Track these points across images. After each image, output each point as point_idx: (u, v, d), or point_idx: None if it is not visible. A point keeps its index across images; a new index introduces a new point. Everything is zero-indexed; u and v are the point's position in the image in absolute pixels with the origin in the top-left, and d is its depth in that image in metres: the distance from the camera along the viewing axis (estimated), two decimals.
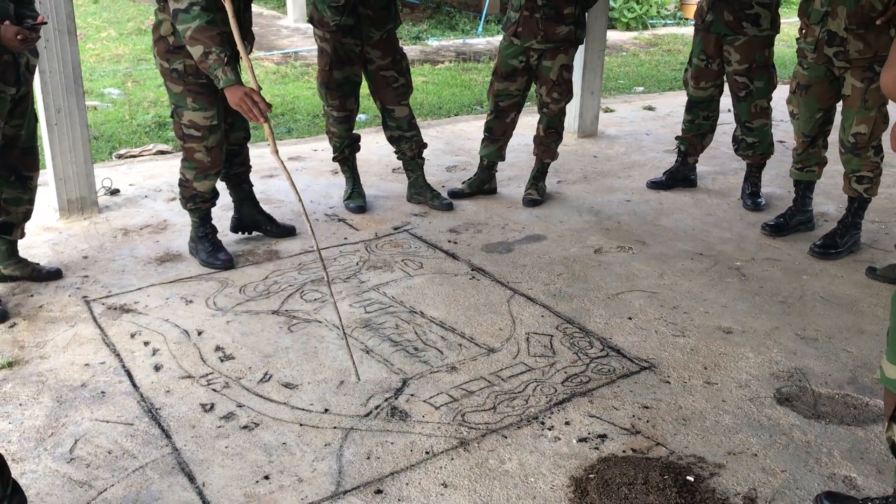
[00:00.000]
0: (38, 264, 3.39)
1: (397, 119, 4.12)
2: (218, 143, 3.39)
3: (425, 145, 4.27)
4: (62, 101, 3.82)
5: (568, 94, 4.18)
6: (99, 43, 9.11)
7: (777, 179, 4.68)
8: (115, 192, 4.36)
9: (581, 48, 5.37)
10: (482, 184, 4.44)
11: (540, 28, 3.95)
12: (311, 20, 3.99)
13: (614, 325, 3.09)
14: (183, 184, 3.48)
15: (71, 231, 3.87)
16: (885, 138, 3.26)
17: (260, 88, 3.02)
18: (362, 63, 3.99)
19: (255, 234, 3.84)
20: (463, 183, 4.47)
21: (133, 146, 5.41)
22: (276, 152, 2.86)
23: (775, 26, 4.05)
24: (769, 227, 3.94)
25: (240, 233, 3.81)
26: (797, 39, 3.68)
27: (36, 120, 3.27)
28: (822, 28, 3.48)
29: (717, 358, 2.86)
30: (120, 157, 5.18)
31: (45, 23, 3.18)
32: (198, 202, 3.50)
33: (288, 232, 3.84)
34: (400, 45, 4.08)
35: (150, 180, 4.59)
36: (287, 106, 6.55)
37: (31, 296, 3.23)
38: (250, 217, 3.79)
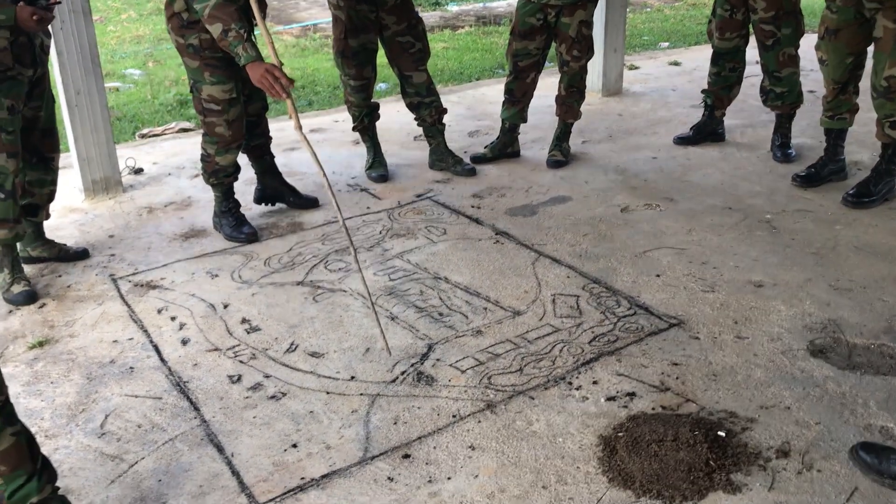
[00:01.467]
0: (64, 245, 3.42)
1: (416, 85, 4.07)
2: (238, 117, 3.37)
3: (445, 111, 4.22)
4: (81, 82, 3.82)
5: (589, 51, 4.10)
6: (119, 25, 9.15)
7: (808, 130, 4.55)
8: (139, 171, 4.38)
9: (602, 4, 5.27)
10: (505, 147, 4.38)
11: None
12: None
13: (642, 283, 3.04)
14: (205, 159, 3.48)
15: (96, 211, 3.90)
16: None
17: (281, 64, 2.99)
18: (378, 30, 3.93)
19: (278, 206, 3.84)
20: (485, 147, 4.42)
21: (156, 125, 5.43)
22: (300, 128, 2.83)
23: None
24: (800, 178, 3.84)
25: (263, 204, 3.81)
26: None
27: (53, 101, 3.27)
28: None
29: (748, 312, 2.81)
30: (143, 136, 5.20)
31: (59, 2, 3.18)
32: (220, 177, 3.50)
33: (311, 203, 3.83)
34: (415, 9, 4.02)
35: (173, 158, 4.60)
36: (307, 79, 6.53)
37: (59, 276, 3.27)
38: (273, 188, 3.79)
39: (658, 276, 3.08)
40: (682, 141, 4.52)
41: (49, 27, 3.10)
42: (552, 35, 4.08)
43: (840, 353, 2.56)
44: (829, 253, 3.20)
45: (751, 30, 4.14)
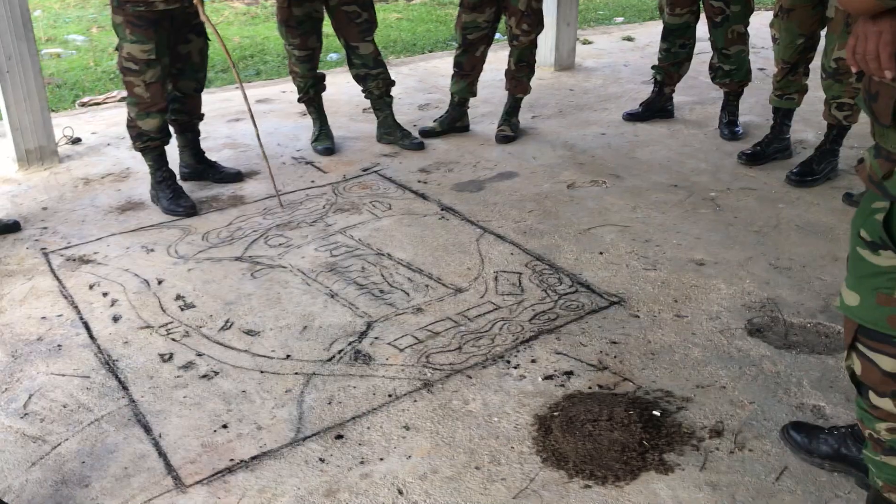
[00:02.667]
0: None
1: (362, 56, 3.98)
2: (157, 79, 3.28)
3: (393, 83, 4.15)
4: (12, 47, 3.67)
5: (538, 25, 4.04)
6: None
7: (756, 108, 4.58)
8: (76, 140, 4.24)
9: None
10: (454, 121, 4.33)
11: None
12: None
13: (584, 260, 3.02)
14: (129, 123, 3.40)
15: (30, 182, 3.77)
16: None
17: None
18: (323, 1, 3.84)
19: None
20: (434, 121, 4.36)
21: (97, 93, 5.26)
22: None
23: None
24: (745, 156, 3.86)
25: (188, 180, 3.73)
26: None
27: None
28: None
29: (689, 290, 2.81)
30: (83, 104, 5.04)
31: None
32: (145, 141, 3.41)
33: (234, 177, 3.75)
34: None
35: (113, 128, 4.46)
36: (257, 48, 6.38)
37: None
38: (192, 166, 3.71)
39: (601, 253, 3.07)
40: (631, 117, 4.51)
41: None
42: (501, 8, 4.02)
43: (777, 332, 2.58)
44: (770, 231, 3.22)
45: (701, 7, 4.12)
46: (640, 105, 4.55)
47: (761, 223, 3.28)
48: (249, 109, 3.21)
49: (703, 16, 4.16)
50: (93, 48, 6.36)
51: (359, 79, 4.09)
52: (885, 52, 1.31)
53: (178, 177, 3.68)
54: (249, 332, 2.60)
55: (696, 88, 4.94)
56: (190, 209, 3.41)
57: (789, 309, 2.69)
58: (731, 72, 4.11)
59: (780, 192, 3.56)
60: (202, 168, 3.74)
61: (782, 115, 3.86)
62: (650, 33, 6.30)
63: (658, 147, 4.13)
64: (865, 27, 1.33)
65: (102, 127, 4.48)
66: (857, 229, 1.49)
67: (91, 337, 2.59)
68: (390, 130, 4.18)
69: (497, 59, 4.64)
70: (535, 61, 4.20)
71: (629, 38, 6.32)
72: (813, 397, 2.26)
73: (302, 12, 3.81)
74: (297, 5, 3.78)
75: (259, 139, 2.60)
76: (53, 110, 4.75)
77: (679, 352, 2.47)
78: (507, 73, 4.22)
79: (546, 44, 5.45)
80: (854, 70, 1.38)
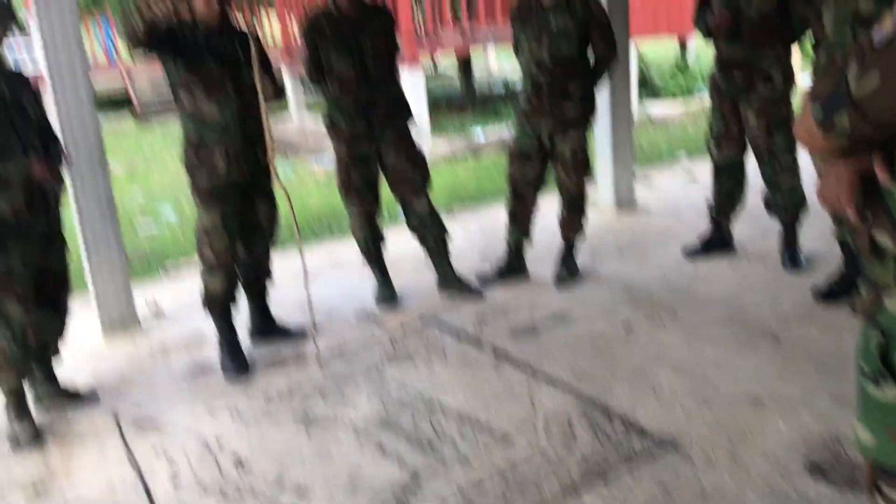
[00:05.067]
0: (73, 385, 3.50)
1: (417, 212, 4.16)
2: (224, 245, 3.54)
3: (449, 235, 4.30)
4: (98, 226, 4.02)
5: (586, 172, 4.17)
6: (164, 172, 9.60)
7: (822, 236, 4.49)
8: (157, 309, 4.51)
9: (608, 123, 5.41)
10: (512, 267, 4.42)
11: (548, 109, 3.99)
12: (326, 129, 4.12)
13: (638, 401, 2.98)
14: (201, 284, 3.64)
15: (112, 350, 4.01)
16: None
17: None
18: (378, 162, 4.08)
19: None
20: (492, 268, 4.46)
21: (181, 262, 5.61)
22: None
23: (790, 80, 3.97)
24: (820, 294, 3.72)
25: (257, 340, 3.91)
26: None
27: (64, 244, 3.42)
28: None
29: (745, 429, 2.72)
30: (168, 272, 5.38)
31: (69, 158, 3.41)
32: (213, 300, 3.64)
33: (298, 334, 3.91)
34: (413, 138, 4.16)
35: (192, 296, 4.72)
36: (333, 209, 6.71)
37: (65, 417, 3.33)
38: (258, 326, 3.91)
39: (655, 394, 3.02)
40: (691, 253, 4.50)
41: (64, 175, 3.30)
42: (548, 157, 4.17)
43: (840, 470, 2.45)
44: (832, 362, 3.10)
45: None
46: (699, 241, 4.55)
47: (822, 355, 3.18)
48: (305, 272, 3.38)
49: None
50: (182, 219, 6.83)
51: (415, 231, 4.26)
52: (845, 194, 1.32)
53: (248, 334, 3.85)
54: (299, 489, 2.64)
55: (758, 220, 4.89)
56: (243, 369, 3.56)
57: (853, 446, 2.55)
58: (785, 204, 4.08)
59: (843, 321, 3.45)
60: (269, 327, 3.92)
61: (849, 248, 3.72)
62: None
63: (717, 282, 4.09)
64: (827, 172, 1.36)
65: (183, 295, 4.76)
66: (860, 363, 1.46)
67: (152, 502, 2.68)
68: (449, 280, 4.30)
69: (552, 202, 4.75)
70: (585, 205, 4.29)
71: (690, 174, 6.38)
72: None
73: (359, 177, 4.05)
74: (354, 171, 4.03)
75: (309, 300, 2.75)
76: (139, 279, 5.09)
77: (733, 496, 2.37)
78: (560, 218, 4.31)
79: (605, 185, 5.57)
80: (827, 210, 1.40)
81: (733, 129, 4.12)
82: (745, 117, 4.02)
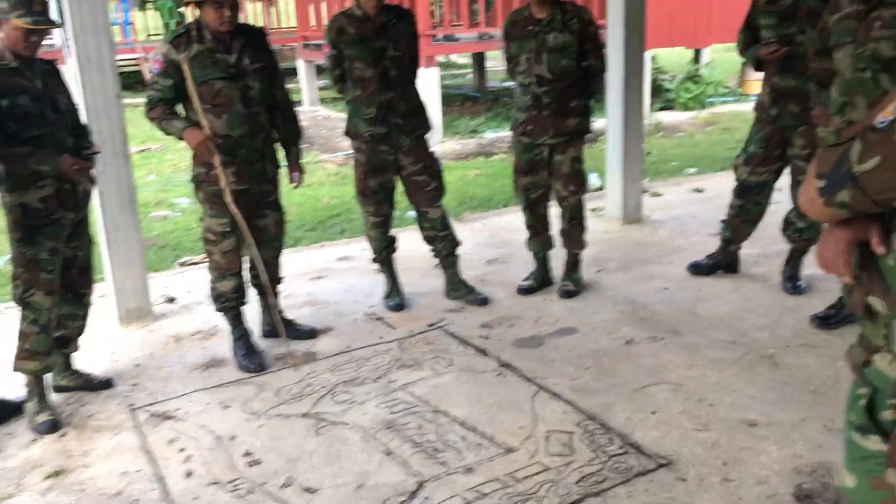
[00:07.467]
0: (91, 374, 3.62)
1: (431, 220, 4.27)
2: (232, 248, 3.66)
3: (460, 243, 4.40)
4: (118, 218, 4.13)
5: (583, 185, 4.28)
6: (178, 153, 9.70)
7: None
8: (171, 300, 4.62)
9: (620, 136, 5.50)
10: (544, 276, 4.52)
11: (550, 124, 4.09)
12: (346, 133, 4.22)
13: (636, 420, 3.08)
14: (210, 286, 3.76)
15: (128, 340, 4.12)
16: None
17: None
18: (396, 169, 4.18)
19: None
20: (525, 280, 4.53)
21: (196, 254, 5.73)
22: (227, 194, 3.49)
23: None
24: (818, 320, 3.81)
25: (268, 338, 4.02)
26: (818, 129, 3.64)
27: (91, 242, 3.54)
28: (841, 118, 3.41)
29: (739, 453, 2.82)
30: (182, 264, 5.49)
31: (99, 152, 3.52)
32: (223, 301, 3.75)
33: (309, 334, 4.01)
34: (431, 149, 4.26)
35: (206, 287, 4.83)
36: (344, 206, 6.83)
37: (83, 405, 3.45)
38: (271, 325, 4.00)
39: (653, 413, 3.13)
40: (696, 269, 4.58)
41: (93, 172, 3.41)
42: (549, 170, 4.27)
43: (827, 498, 2.55)
44: (828, 391, 3.21)
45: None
46: (706, 257, 4.62)
47: (818, 382, 3.28)
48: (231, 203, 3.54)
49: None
50: (196, 210, 6.94)
51: (428, 240, 4.37)
52: (842, 260, 1.43)
53: (259, 334, 3.97)
54: (308, 490, 2.75)
55: (763, 240, 4.99)
56: (259, 366, 3.67)
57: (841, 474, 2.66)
58: (804, 229, 4.11)
59: (840, 350, 3.54)
60: (279, 328, 4.01)
61: None
62: (720, 184, 6.41)
63: (720, 302, 4.19)
64: (826, 235, 1.46)
65: (197, 286, 4.87)
66: (848, 413, 1.56)
67: (165, 492, 2.80)
68: (457, 287, 4.41)
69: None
70: (585, 217, 4.39)
71: (699, 190, 6.47)
72: None
73: (377, 183, 4.15)
74: (372, 177, 4.14)
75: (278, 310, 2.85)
76: (155, 270, 5.20)
77: None
78: (562, 231, 4.41)
79: (613, 198, 5.67)
80: (824, 273, 1.50)
81: (774, 153, 4.11)
82: (793, 142, 4.03)
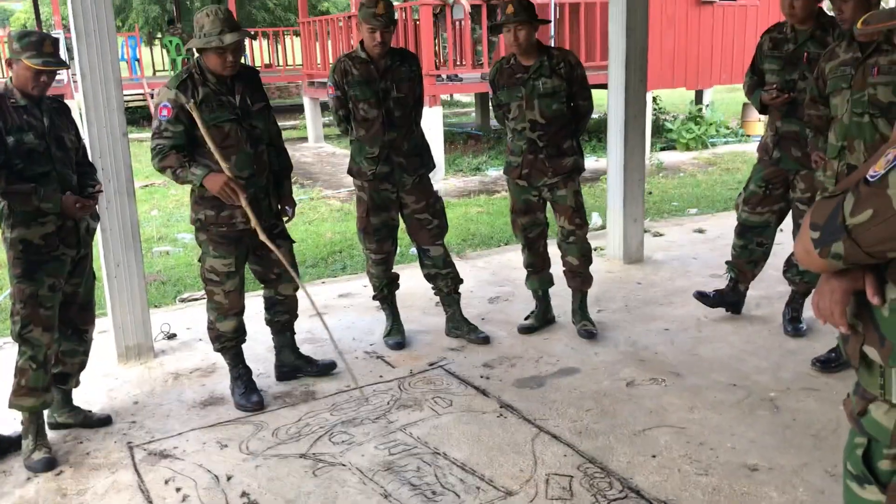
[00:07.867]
0: (89, 411, 3.61)
1: (433, 258, 4.28)
2: (236, 288, 3.65)
3: (461, 281, 4.41)
4: (121, 255, 4.14)
5: (586, 219, 4.32)
6: (181, 188, 9.75)
7: None
8: (171, 336, 4.62)
9: (620, 177, 5.53)
10: (545, 315, 4.53)
11: (548, 166, 4.13)
12: (349, 171, 4.25)
13: (637, 463, 3.06)
14: (209, 326, 3.76)
15: (127, 377, 4.11)
16: None
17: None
18: (398, 208, 4.20)
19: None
20: (526, 319, 4.54)
21: (197, 290, 5.73)
22: (261, 231, 3.47)
23: None
24: (820, 363, 3.80)
25: (285, 380, 3.98)
26: (816, 173, 3.66)
27: (94, 278, 3.55)
28: (840, 162, 3.44)
29: (740, 498, 2.80)
30: (183, 300, 5.50)
31: (101, 191, 3.54)
32: (223, 342, 3.74)
33: (329, 368, 4.01)
34: (433, 188, 4.28)
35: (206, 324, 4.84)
36: (346, 243, 6.85)
37: (80, 443, 3.43)
38: (290, 363, 3.98)
39: (654, 456, 3.10)
40: (701, 297, 4.53)
41: (97, 208, 3.42)
42: (549, 208, 4.30)
43: None
44: (829, 435, 3.18)
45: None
46: (713, 291, 4.58)
47: (820, 426, 3.26)
48: (269, 241, 3.54)
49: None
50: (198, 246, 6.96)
51: (429, 277, 4.38)
52: (837, 310, 1.43)
53: (275, 370, 3.98)
54: None
55: (765, 282, 4.99)
56: (258, 405, 3.66)
57: None
58: (805, 272, 4.11)
59: (841, 394, 3.53)
60: (299, 363, 4.01)
61: None
62: (722, 225, 6.45)
63: (721, 344, 4.18)
64: (822, 285, 1.47)
65: (196, 323, 4.86)
66: (845, 463, 1.55)
67: None
68: (458, 325, 4.40)
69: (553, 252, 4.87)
70: (591, 252, 4.40)
71: (700, 231, 6.49)
72: None
73: (379, 221, 4.17)
74: (374, 215, 4.16)
75: (332, 338, 2.87)
76: (156, 306, 5.20)
77: None
78: (571, 270, 4.40)
79: (614, 238, 5.69)
80: (821, 322, 1.51)
81: (774, 193, 4.14)
82: (794, 185, 4.05)
